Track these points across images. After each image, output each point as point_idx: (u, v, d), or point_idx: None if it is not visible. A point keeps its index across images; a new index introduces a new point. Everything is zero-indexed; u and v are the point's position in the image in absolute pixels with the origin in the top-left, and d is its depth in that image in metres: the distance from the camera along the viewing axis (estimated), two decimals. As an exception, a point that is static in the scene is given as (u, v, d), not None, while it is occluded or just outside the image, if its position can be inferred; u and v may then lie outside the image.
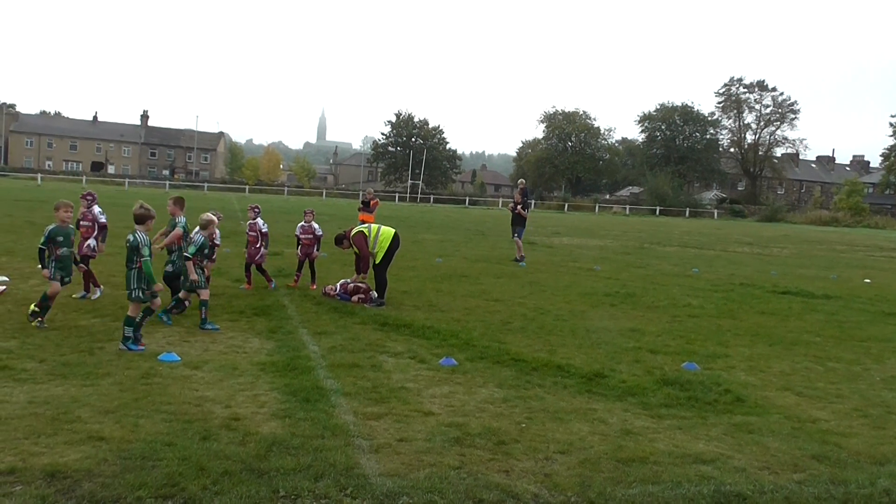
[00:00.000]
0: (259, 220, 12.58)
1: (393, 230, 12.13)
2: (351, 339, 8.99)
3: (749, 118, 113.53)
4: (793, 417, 6.74)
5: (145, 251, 8.07)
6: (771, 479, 5.24)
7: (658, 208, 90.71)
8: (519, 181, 22.19)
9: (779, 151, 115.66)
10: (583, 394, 7.20)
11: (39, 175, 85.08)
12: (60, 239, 8.92)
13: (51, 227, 8.89)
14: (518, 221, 20.06)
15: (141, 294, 8.07)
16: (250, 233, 12.61)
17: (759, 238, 41.55)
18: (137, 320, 8.07)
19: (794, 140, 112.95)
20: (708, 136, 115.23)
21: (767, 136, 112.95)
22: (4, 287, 10.83)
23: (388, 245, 11.82)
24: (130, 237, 8.13)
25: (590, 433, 6.00)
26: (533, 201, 52.08)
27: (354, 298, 11.70)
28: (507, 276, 16.37)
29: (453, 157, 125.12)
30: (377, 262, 11.77)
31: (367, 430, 5.77)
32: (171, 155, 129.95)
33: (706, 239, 37.64)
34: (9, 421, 5.50)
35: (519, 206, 19.99)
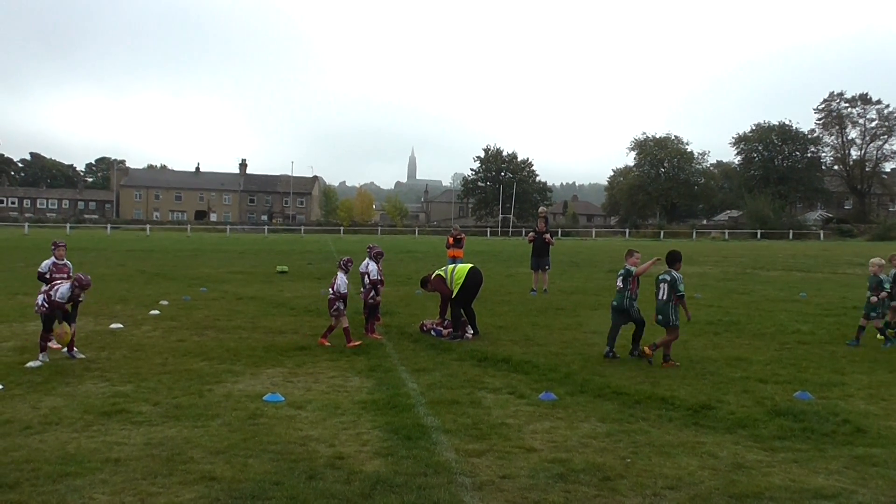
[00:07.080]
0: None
1: (468, 266, 12.47)
2: (449, 376, 9.01)
3: (853, 133, 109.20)
4: (921, 449, 6.31)
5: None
6: (901, 515, 4.90)
7: (759, 231, 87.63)
8: (540, 209, 21.60)
9: (888, 166, 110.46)
10: (689, 427, 6.96)
11: (148, 226, 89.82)
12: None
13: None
14: (545, 251, 19.21)
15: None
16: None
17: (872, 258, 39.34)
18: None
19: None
20: (809, 155, 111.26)
21: (874, 151, 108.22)
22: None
23: (462, 280, 12.05)
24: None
25: (699, 467, 5.79)
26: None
27: (444, 332, 11.95)
28: (604, 308, 16.03)
29: (543, 188, 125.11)
30: (453, 297, 12.02)
31: (470, 467, 5.75)
32: (269, 201, 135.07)
33: (813, 261, 35.98)
34: (128, 462, 5.76)
35: (547, 235, 19.28)
